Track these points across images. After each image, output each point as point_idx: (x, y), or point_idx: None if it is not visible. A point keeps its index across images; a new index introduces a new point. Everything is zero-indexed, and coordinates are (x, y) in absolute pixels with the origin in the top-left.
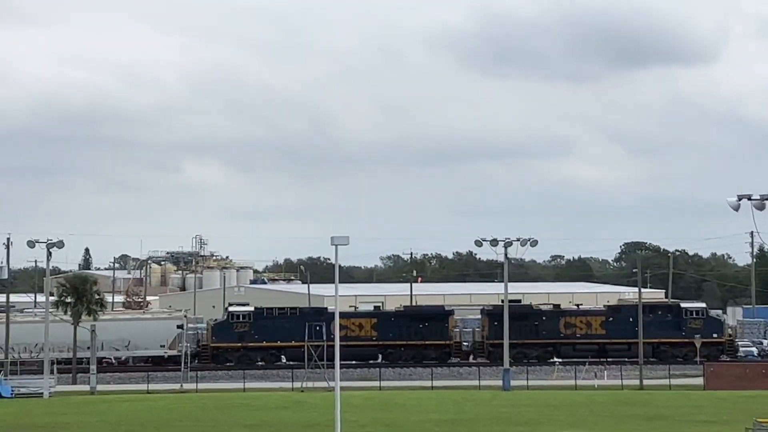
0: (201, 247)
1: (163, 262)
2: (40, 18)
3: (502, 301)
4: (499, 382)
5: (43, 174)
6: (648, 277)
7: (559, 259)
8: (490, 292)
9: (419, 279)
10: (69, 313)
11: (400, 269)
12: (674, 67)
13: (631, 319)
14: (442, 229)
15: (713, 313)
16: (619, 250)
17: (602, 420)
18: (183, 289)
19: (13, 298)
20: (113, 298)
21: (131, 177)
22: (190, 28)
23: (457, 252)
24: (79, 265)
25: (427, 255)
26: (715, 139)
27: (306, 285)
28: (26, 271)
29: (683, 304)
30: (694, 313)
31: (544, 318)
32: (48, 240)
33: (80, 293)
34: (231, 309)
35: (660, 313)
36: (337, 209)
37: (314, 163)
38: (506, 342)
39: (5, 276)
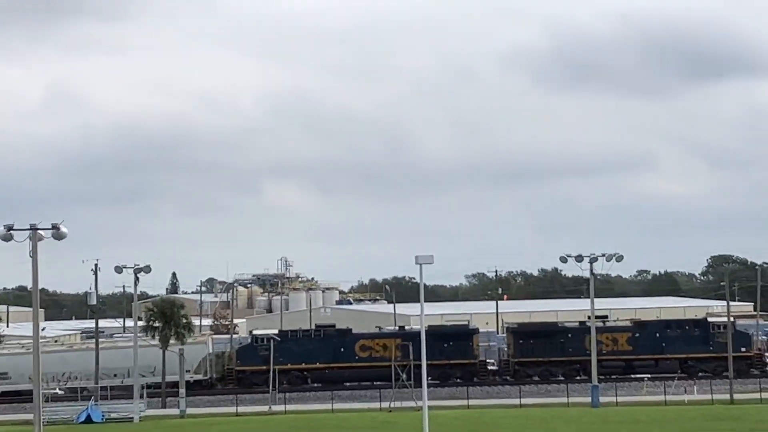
0: (286, 268)
1: (249, 285)
2: (119, 46)
3: (588, 318)
4: (587, 399)
5: (128, 199)
6: (736, 290)
7: (645, 274)
8: (576, 308)
9: (505, 297)
10: (157, 337)
11: (485, 287)
12: (753, 78)
13: (657, 335)
14: (526, 247)
15: (741, 326)
16: (706, 264)
17: None
18: (269, 311)
19: (102, 323)
20: (201, 322)
21: (214, 200)
22: (266, 51)
23: (542, 269)
24: (167, 289)
25: (512, 272)
26: None
27: (391, 304)
28: (114, 297)
29: (710, 318)
30: (721, 327)
31: (569, 335)
32: (135, 265)
33: (168, 318)
34: (255, 332)
35: (687, 328)
36: (419, 228)
37: (394, 182)
38: (594, 357)
39: (94, 302)
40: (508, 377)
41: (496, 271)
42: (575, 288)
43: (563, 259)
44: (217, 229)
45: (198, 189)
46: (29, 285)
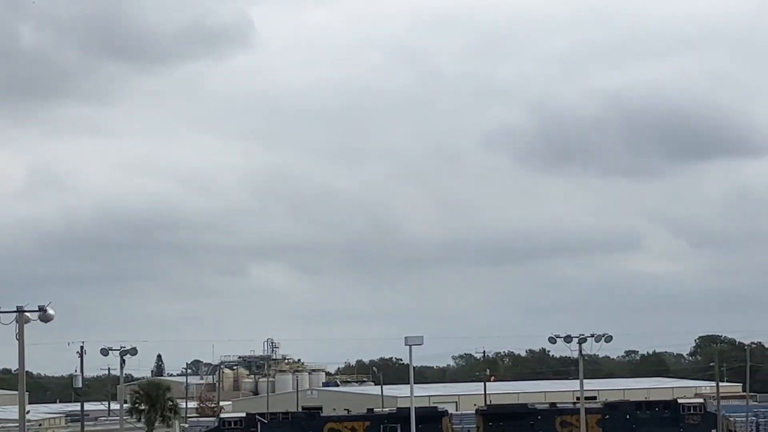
0: (273, 350)
1: (235, 367)
2: (102, 128)
3: (578, 399)
4: None
5: (112, 281)
6: (724, 370)
7: (633, 354)
8: (565, 389)
9: (493, 378)
10: (143, 420)
11: (472, 368)
12: (736, 159)
13: (627, 417)
14: (514, 327)
15: (712, 408)
16: (694, 344)
17: None
18: (256, 393)
19: (88, 406)
20: (186, 404)
21: (199, 282)
22: (249, 132)
23: (530, 349)
24: (152, 371)
25: (499, 353)
26: None
27: (379, 386)
28: (99, 379)
29: (681, 400)
30: (692, 408)
31: (539, 417)
32: (121, 347)
33: (153, 400)
34: (222, 415)
35: (657, 409)
36: (406, 309)
37: (380, 263)
38: None
39: (79, 384)
40: None
41: (484, 352)
42: (563, 369)
43: (552, 340)
44: (203, 311)
45: (183, 270)
46: (12, 367)
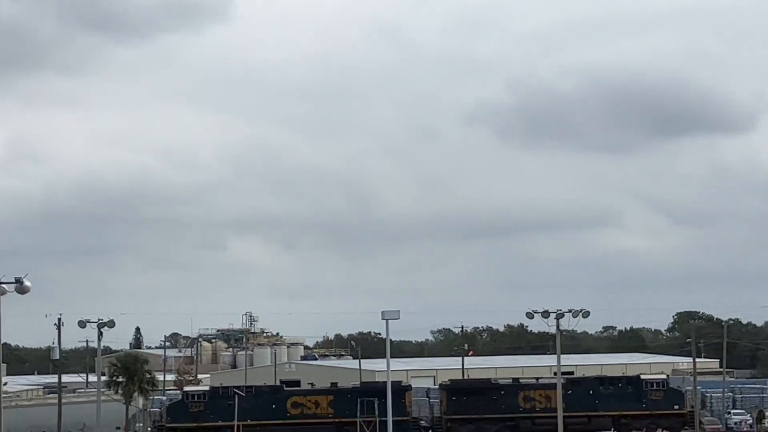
0: (251, 324)
1: (213, 340)
2: (80, 101)
3: (555, 374)
4: None
5: (91, 254)
6: (702, 346)
7: (611, 330)
8: (542, 364)
9: (470, 353)
10: (120, 392)
11: (451, 343)
12: (714, 135)
13: (590, 392)
14: (492, 302)
15: (674, 384)
16: (672, 320)
17: None
18: (234, 366)
19: (65, 378)
20: (164, 377)
21: (178, 255)
22: (227, 107)
23: (508, 325)
24: (131, 344)
25: (478, 328)
26: (760, 208)
27: (357, 360)
28: (78, 351)
29: (643, 376)
30: (654, 384)
31: (502, 392)
32: (99, 320)
33: (131, 373)
34: (186, 389)
35: (620, 385)
36: (384, 284)
37: (358, 238)
38: (560, 414)
39: (57, 356)
40: None
41: (462, 327)
42: (541, 344)
43: (530, 315)
44: (182, 284)
45: (162, 244)
46: None
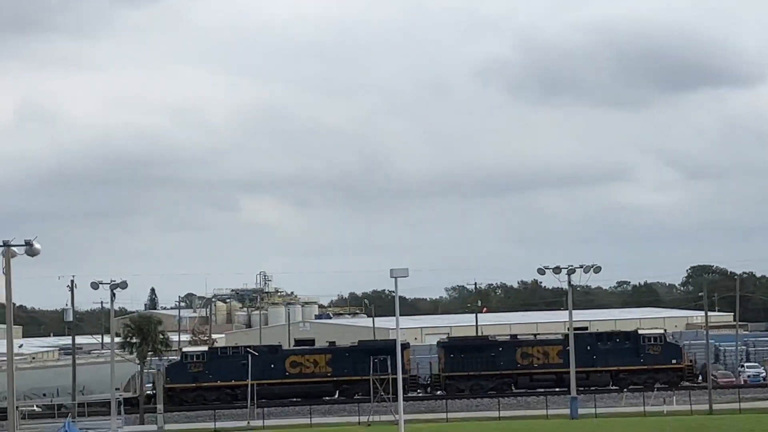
0: (265, 283)
1: (228, 300)
2: (90, 62)
3: (568, 329)
4: (565, 410)
5: (104, 216)
6: (715, 300)
7: (625, 285)
8: (556, 320)
9: (484, 309)
10: (134, 353)
11: (465, 300)
12: (725, 89)
13: (588, 348)
14: (506, 259)
15: (671, 339)
16: (686, 274)
17: None
18: (249, 326)
19: (80, 339)
20: (179, 337)
21: (191, 216)
22: (237, 67)
23: (522, 281)
24: (145, 305)
25: (491, 285)
26: None
27: (371, 318)
28: (93, 313)
29: (641, 331)
30: (652, 339)
31: (500, 349)
32: (111, 281)
33: (145, 333)
34: (185, 350)
35: (618, 340)
36: (398, 242)
37: (370, 196)
38: (572, 369)
39: (70, 318)
40: (438, 392)
41: (476, 284)
42: (555, 300)
43: (541, 271)
44: (195, 245)
45: (174, 205)
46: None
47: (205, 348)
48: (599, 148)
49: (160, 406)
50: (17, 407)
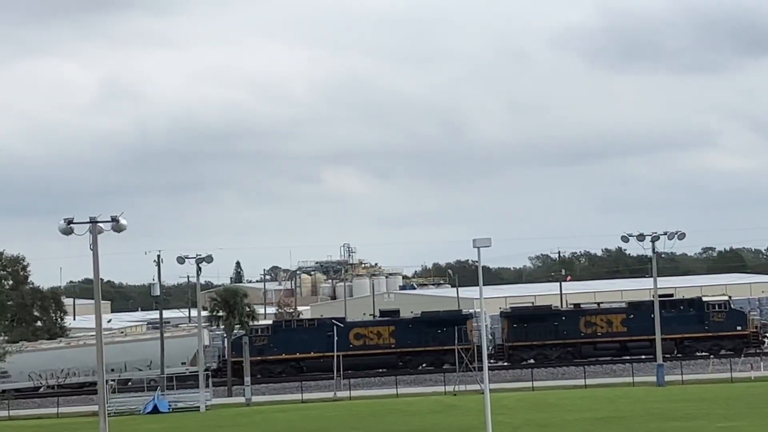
0: (349, 255)
1: (312, 272)
2: (170, 39)
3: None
4: (652, 378)
5: (188, 190)
6: None
7: (710, 251)
8: (641, 287)
9: (568, 278)
10: (221, 326)
11: (549, 268)
12: None
13: (651, 316)
14: (590, 227)
15: (736, 305)
16: None
17: (760, 412)
18: (333, 297)
19: (167, 314)
20: (265, 310)
21: (274, 189)
22: (317, 39)
23: (606, 249)
24: (231, 278)
25: (575, 253)
26: None
27: (455, 288)
28: (180, 287)
29: (705, 298)
30: (716, 306)
31: (564, 318)
32: (197, 255)
33: (231, 306)
34: (251, 324)
35: (682, 308)
36: (481, 211)
37: (452, 166)
38: (658, 337)
39: (157, 293)
40: (502, 362)
41: (559, 253)
42: (640, 267)
43: (624, 239)
44: (279, 218)
45: (258, 178)
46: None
47: (269, 321)
48: (682, 114)
49: (247, 379)
50: (107, 380)
